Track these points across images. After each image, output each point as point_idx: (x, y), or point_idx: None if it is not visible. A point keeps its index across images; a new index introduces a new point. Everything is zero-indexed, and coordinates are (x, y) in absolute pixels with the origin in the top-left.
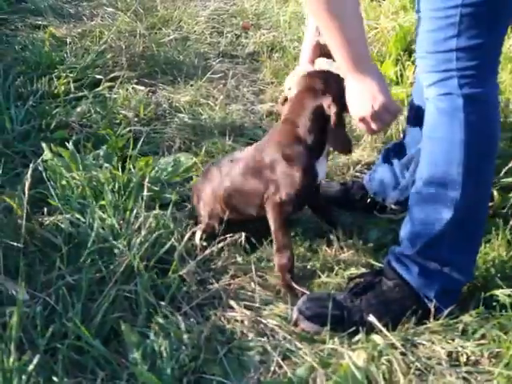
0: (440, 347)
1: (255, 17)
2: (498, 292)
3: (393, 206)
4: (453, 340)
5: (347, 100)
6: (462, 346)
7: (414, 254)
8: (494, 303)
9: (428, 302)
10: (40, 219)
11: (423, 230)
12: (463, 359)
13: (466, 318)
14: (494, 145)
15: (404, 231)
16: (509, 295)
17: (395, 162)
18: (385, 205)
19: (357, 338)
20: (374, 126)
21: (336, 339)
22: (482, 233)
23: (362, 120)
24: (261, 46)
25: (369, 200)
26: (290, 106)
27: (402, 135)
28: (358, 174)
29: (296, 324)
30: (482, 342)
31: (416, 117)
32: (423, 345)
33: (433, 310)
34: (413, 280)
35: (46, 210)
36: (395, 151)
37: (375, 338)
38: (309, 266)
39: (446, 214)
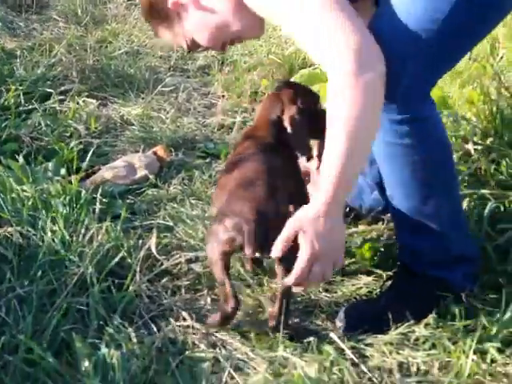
0: (391, 358)
1: None
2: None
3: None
4: (404, 350)
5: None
6: (412, 357)
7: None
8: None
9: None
10: None
11: (425, 241)
12: (414, 369)
13: (417, 328)
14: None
15: (404, 242)
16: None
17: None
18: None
19: (309, 347)
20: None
21: (287, 348)
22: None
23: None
24: (212, 60)
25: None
26: None
27: None
28: None
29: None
30: (433, 352)
31: None
32: (374, 356)
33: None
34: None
35: None
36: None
37: (327, 347)
38: None
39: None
